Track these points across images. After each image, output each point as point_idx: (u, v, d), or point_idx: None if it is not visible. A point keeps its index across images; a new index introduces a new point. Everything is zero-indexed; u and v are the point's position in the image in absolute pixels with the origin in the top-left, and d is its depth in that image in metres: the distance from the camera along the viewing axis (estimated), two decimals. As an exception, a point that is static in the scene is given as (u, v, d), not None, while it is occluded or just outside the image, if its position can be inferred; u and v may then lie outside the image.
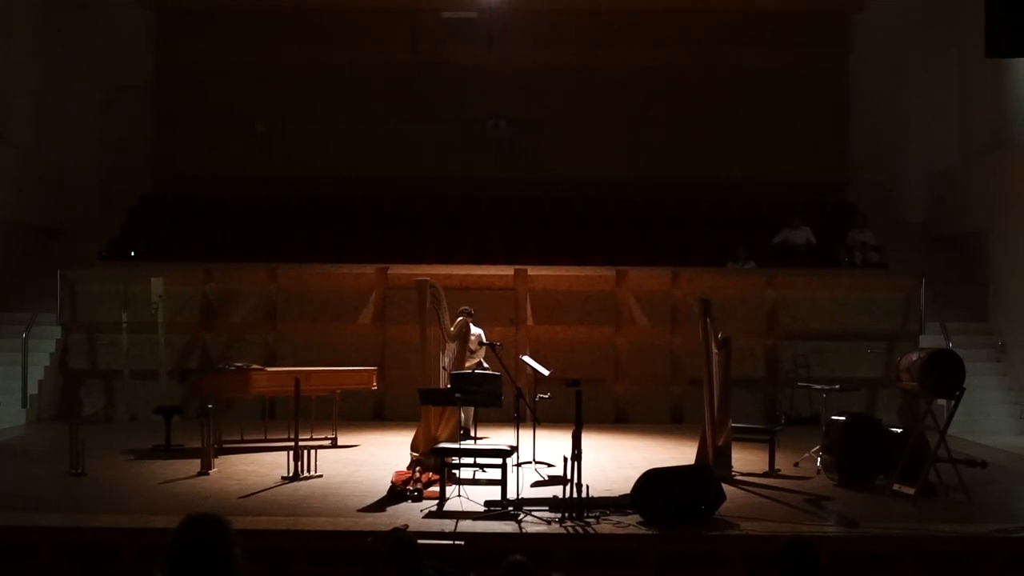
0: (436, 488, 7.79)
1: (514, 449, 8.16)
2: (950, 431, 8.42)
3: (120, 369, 12.86)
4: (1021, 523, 7.65)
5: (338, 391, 10.98)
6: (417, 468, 8.67)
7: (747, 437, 9.89)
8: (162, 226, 15.35)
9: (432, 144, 16.37)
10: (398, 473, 8.65)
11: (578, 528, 7.02)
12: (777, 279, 13.51)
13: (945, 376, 8.19)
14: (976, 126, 14.93)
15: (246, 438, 10.54)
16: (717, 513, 7.36)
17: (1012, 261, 13.16)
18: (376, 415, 13.05)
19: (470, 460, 8.32)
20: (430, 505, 7.63)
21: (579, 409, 7.43)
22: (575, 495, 7.29)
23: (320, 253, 14.45)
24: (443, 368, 9.48)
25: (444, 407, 9.03)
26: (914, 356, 8.53)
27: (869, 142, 16.50)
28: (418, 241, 14.92)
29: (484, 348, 10.90)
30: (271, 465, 9.40)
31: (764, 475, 9.25)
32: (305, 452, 8.96)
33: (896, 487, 8.28)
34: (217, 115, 16.40)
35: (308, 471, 8.91)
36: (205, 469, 9.08)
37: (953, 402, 8.43)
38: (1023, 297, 12.90)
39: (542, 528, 7.05)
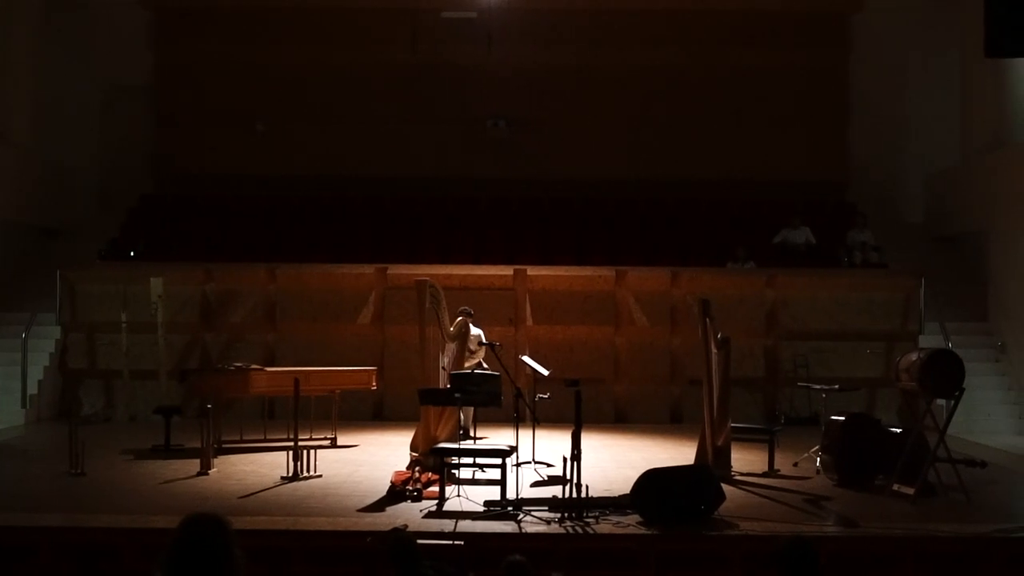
0: (436, 488, 7.78)
1: (513, 449, 8.15)
2: (950, 431, 8.43)
3: (120, 369, 12.86)
4: (1021, 523, 7.64)
5: (337, 391, 10.97)
6: (416, 468, 8.66)
7: (746, 437, 9.90)
8: (162, 226, 15.35)
9: (432, 144, 16.38)
10: (397, 473, 8.65)
11: (577, 528, 7.01)
12: (777, 279, 13.50)
13: (945, 376, 8.18)
14: (976, 126, 14.93)
15: (246, 438, 10.54)
16: (717, 513, 7.35)
17: (1012, 261, 13.15)
18: (376, 415, 13.05)
19: (469, 460, 8.33)
20: (430, 505, 7.63)
21: (578, 409, 7.41)
22: (574, 495, 7.29)
23: (320, 253, 14.44)
24: (443, 368, 9.48)
25: (443, 407, 9.03)
26: (914, 356, 8.52)
27: (869, 142, 16.51)
28: (418, 241, 14.91)
29: (484, 348, 10.90)
30: (271, 465, 9.40)
31: (763, 475, 9.24)
32: (305, 452, 8.96)
33: (896, 487, 8.28)
34: (217, 115, 16.40)
35: (307, 471, 8.91)
36: (205, 469, 9.08)
37: (953, 402, 8.44)
38: (1023, 297, 12.90)
39: (542, 528, 7.05)
